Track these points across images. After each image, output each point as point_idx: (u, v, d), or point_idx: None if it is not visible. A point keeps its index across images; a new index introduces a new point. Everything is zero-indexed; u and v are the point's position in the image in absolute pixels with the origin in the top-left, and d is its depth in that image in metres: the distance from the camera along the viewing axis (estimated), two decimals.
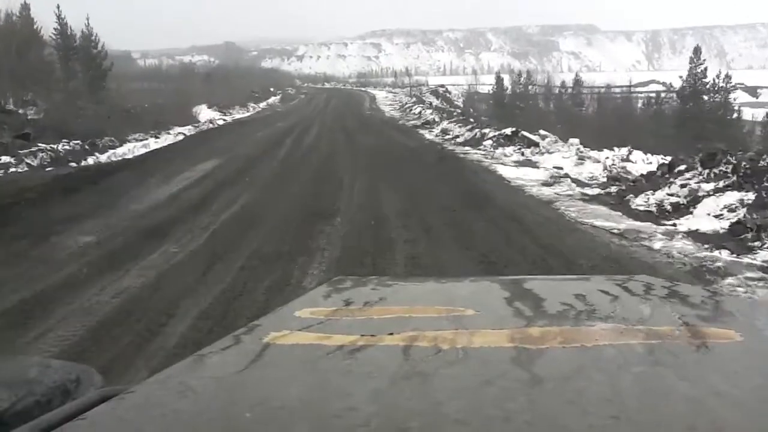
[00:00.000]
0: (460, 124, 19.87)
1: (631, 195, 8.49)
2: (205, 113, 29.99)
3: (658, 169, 9.60)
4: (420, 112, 29.33)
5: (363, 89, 76.75)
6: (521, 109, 32.48)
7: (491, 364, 0.69)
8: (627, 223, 7.07)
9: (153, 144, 17.49)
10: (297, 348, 0.78)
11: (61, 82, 18.76)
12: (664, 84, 56.85)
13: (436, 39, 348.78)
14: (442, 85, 55.73)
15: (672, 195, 7.93)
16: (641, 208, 7.90)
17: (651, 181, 9.02)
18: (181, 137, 19.76)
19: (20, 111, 16.65)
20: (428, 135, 19.57)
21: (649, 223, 7.05)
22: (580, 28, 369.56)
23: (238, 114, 33.10)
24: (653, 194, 8.18)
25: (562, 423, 0.56)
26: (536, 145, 14.23)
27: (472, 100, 54.30)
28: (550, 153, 13.67)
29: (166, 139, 18.72)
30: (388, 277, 1.48)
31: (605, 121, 27.20)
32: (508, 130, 14.99)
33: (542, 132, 14.77)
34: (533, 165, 12.62)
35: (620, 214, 7.60)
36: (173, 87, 37.73)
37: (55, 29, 20.33)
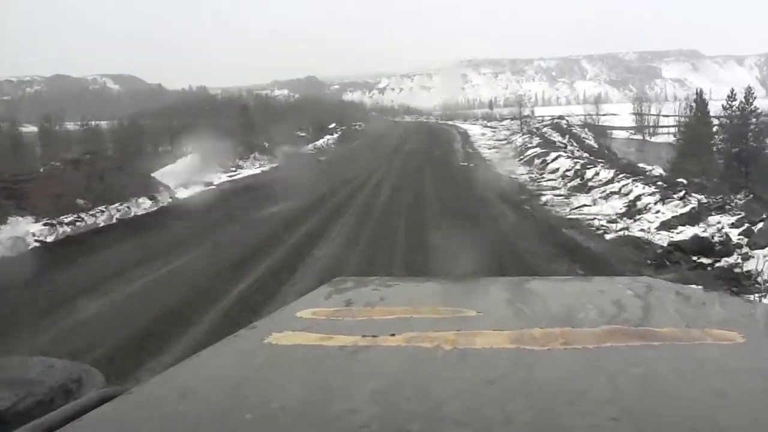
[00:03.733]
0: None
1: None
2: (181, 174, 17.25)
3: None
4: (577, 172, 14.65)
5: (450, 123, 63.04)
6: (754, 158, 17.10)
7: (492, 366, 0.68)
8: None
9: None
10: (298, 349, 0.76)
11: None
12: None
13: (526, 68, 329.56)
14: (561, 116, 40.57)
15: None
16: None
17: None
18: None
19: None
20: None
21: None
22: (682, 53, 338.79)
23: (251, 169, 20.21)
24: None
25: (563, 424, 0.54)
26: None
27: (603, 137, 39.23)
28: None
29: None
30: (389, 278, 1.38)
31: None
32: None
33: None
34: None
35: None
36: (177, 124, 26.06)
37: None
